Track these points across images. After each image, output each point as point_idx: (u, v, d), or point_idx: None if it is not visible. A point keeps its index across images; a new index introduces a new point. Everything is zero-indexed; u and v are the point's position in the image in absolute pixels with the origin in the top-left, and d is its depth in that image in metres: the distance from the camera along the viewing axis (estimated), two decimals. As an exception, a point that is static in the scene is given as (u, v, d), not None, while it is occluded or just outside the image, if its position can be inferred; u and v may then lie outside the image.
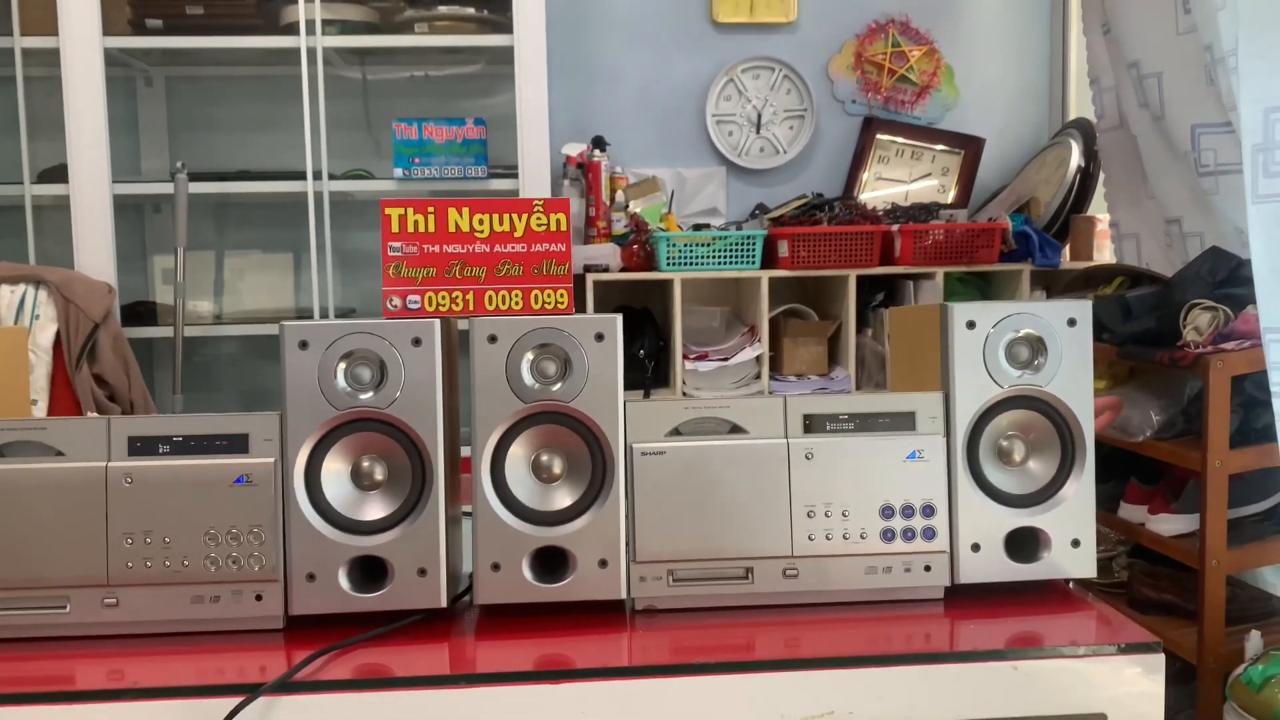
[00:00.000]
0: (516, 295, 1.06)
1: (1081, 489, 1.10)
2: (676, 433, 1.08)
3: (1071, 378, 1.09)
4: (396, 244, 1.04)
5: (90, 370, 2.45)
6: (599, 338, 1.05)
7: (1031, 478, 1.11)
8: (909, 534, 1.08)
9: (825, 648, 1.01)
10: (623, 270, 2.82)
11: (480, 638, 1.07)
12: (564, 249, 1.05)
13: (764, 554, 1.08)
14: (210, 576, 1.03)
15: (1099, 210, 2.89)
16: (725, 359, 2.84)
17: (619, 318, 1.06)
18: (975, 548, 1.09)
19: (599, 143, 2.95)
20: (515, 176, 2.66)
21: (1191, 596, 2.07)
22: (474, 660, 1.04)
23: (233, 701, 0.93)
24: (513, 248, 1.05)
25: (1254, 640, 1.89)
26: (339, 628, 1.04)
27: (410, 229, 1.05)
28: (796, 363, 2.89)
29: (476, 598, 1.06)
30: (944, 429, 1.09)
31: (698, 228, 2.90)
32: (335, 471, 1.05)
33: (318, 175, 2.68)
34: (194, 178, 2.64)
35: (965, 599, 1.11)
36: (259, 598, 1.04)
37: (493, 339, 1.04)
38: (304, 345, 1.03)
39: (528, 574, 1.06)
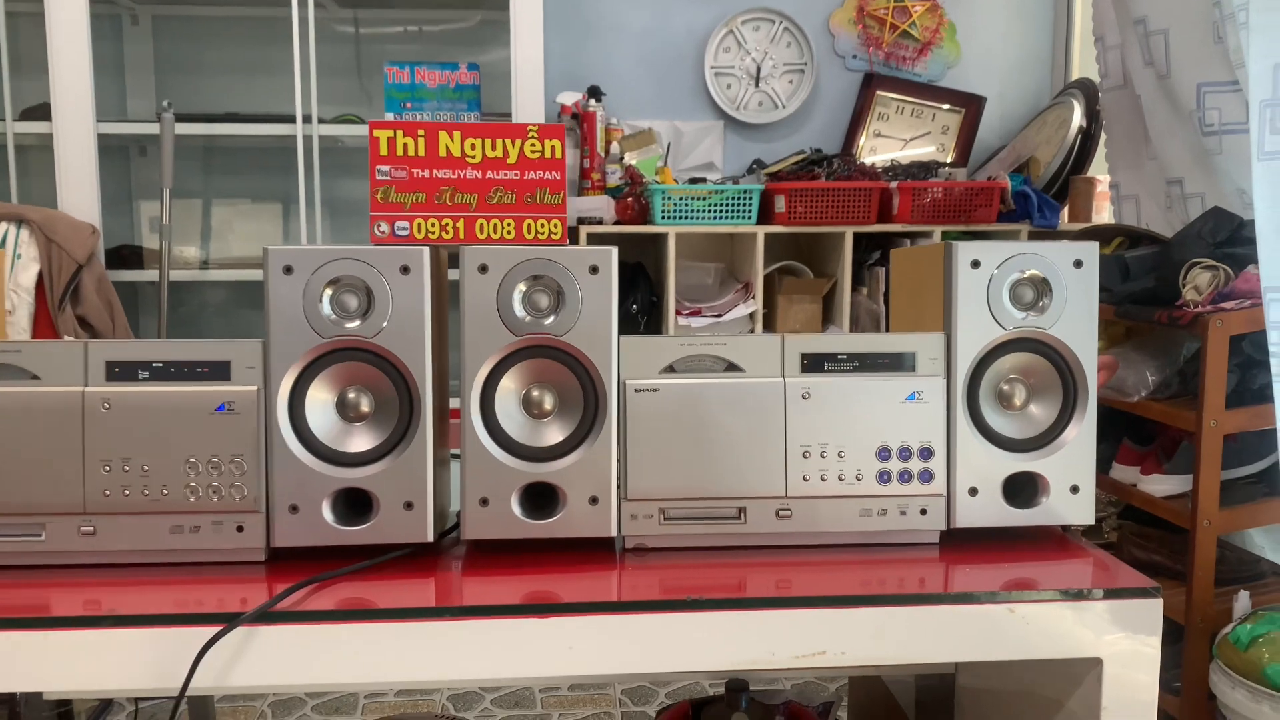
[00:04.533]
0: (509, 224, 1.03)
1: (1082, 434, 1.08)
2: (670, 370, 1.06)
3: (1076, 321, 1.07)
4: (385, 167, 1.01)
5: (74, 312, 2.41)
6: (593, 270, 1.02)
7: (1032, 422, 1.09)
8: (905, 476, 1.07)
9: (817, 588, 0.99)
10: (616, 223, 2.78)
11: (467, 573, 1.05)
12: (559, 177, 1.02)
13: (757, 494, 1.06)
14: (190, 506, 1.01)
15: (1099, 172, 2.86)
16: (718, 315, 2.81)
17: (614, 250, 1.03)
18: (973, 492, 1.07)
19: (595, 93, 2.90)
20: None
21: (1180, 558, 2.07)
22: (460, 594, 1.02)
23: (212, 631, 0.91)
24: (505, 174, 1.02)
25: (1242, 600, 1.89)
26: (322, 561, 1.02)
27: (399, 152, 1.01)
28: (790, 320, 2.86)
29: (464, 533, 1.04)
30: (944, 371, 1.07)
31: (694, 182, 2.86)
32: (320, 402, 1.02)
33: (307, 119, 2.62)
34: (181, 119, 2.58)
35: (961, 544, 1.09)
36: (240, 529, 1.01)
37: (484, 269, 1.01)
38: (288, 270, 1.00)
39: (517, 510, 1.04)
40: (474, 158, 1.01)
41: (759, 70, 3.10)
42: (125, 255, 2.76)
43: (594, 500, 1.04)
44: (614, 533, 1.05)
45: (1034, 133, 3.03)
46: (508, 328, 1.02)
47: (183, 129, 2.60)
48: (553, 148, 1.01)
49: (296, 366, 1.01)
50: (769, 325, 2.86)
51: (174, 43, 2.97)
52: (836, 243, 2.79)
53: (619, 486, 1.05)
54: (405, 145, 1.01)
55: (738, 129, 3.14)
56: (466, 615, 0.95)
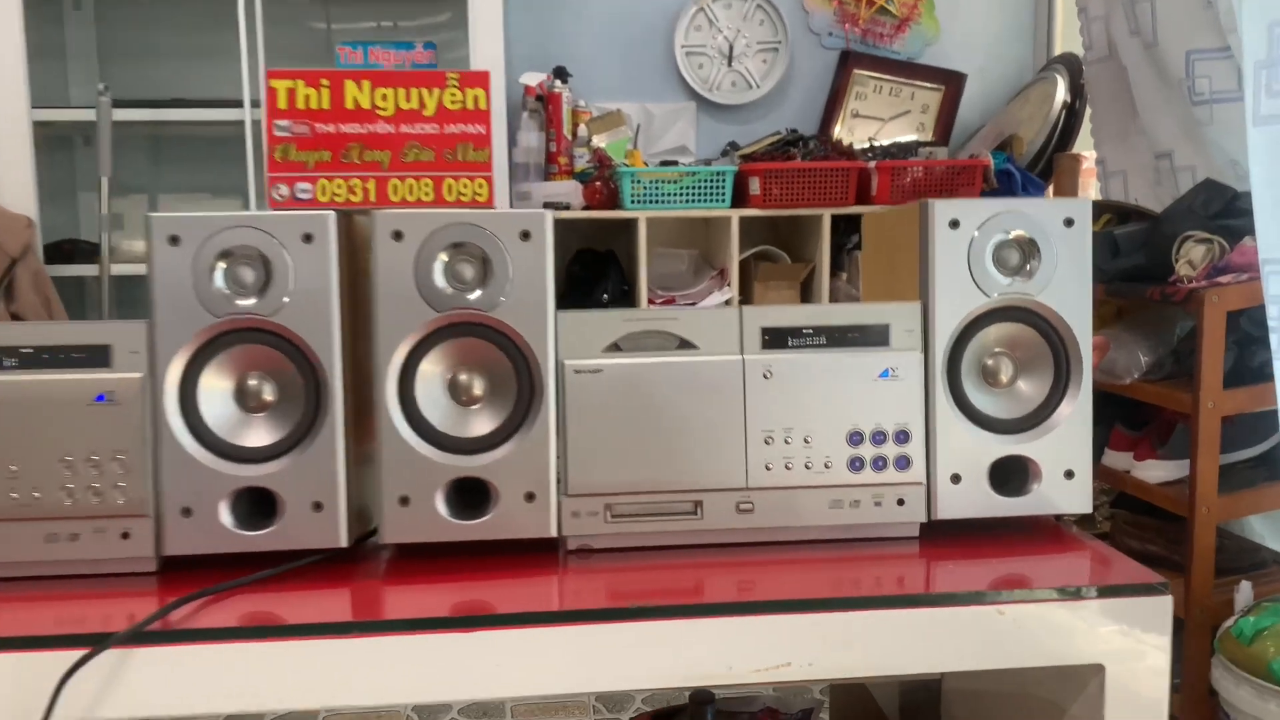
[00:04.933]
0: (426, 185, 0.91)
1: (1076, 413, 0.96)
2: (615, 348, 0.94)
3: (1067, 286, 0.96)
4: (284, 122, 0.89)
5: (8, 309, 2.27)
6: (525, 236, 0.90)
7: (1020, 400, 0.97)
8: (880, 463, 0.95)
9: (782, 590, 0.88)
10: (585, 209, 2.67)
11: (389, 581, 0.93)
12: (484, 131, 0.90)
13: (715, 486, 0.94)
14: (67, 511, 0.88)
15: (1085, 148, 2.76)
16: (693, 304, 2.70)
17: (548, 214, 0.91)
18: (955, 479, 0.96)
19: (560, 74, 2.78)
20: (468, 105, 2.48)
21: (1178, 548, 1.97)
22: (380, 606, 0.90)
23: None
24: (422, 128, 0.90)
25: (1244, 591, 1.79)
26: (222, 570, 0.90)
27: (300, 105, 0.89)
28: (767, 308, 2.74)
29: (382, 535, 0.92)
30: (921, 344, 0.96)
31: (665, 164, 2.75)
32: (215, 390, 0.90)
33: (255, 104, 2.49)
34: (125, 105, 2.45)
35: (943, 537, 0.98)
36: (125, 536, 0.89)
37: (398, 236, 0.89)
38: (175, 241, 0.88)
39: (442, 509, 0.92)
40: (385, 110, 0.89)
41: (731, 49, 2.98)
42: (68, 250, 2.62)
43: (530, 497, 0.92)
44: (554, 533, 0.93)
45: (1016, 109, 2.93)
46: (428, 303, 0.90)
47: (126, 115, 2.47)
48: (476, 97, 0.89)
49: (187, 350, 0.88)
50: (745, 313, 2.74)
51: (119, 27, 2.83)
52: (814, 226, 2.68)
53: (559, 481, 0.93)
54: (307, 97, 0.89)
55: (711, 110, 3.02)
56: (387, 630, 0.84)
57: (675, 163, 2.80)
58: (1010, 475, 0.97)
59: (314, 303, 0.89)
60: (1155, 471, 1.94)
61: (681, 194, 2.64)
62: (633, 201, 2.62)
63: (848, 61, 3.01)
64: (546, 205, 2.63)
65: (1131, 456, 2.00)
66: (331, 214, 0.87)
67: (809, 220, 2.70)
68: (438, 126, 0.90)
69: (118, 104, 2.42)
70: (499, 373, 0.92)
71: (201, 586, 0.87)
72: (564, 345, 0.93)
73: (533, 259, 0.91)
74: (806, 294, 2.76)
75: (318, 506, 0.90)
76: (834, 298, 2.69)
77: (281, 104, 0.89)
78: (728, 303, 2.68)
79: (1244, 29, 1.73)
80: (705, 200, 2.65)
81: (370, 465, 1.00)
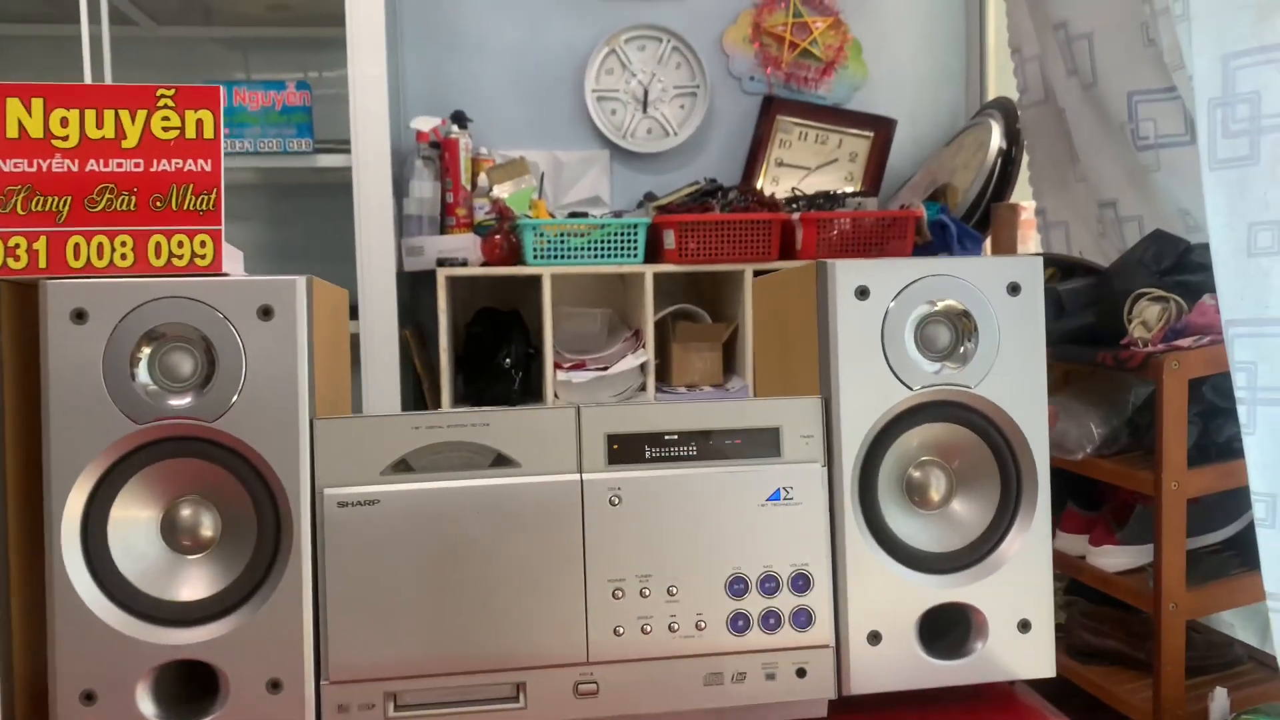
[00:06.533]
0: (125, 244, 0.64)
1: (1032, 543, 0.72)
2: (404, 468, 0.68)
3: (1014, 372, 0.72)
4: (-90, 157, 0.62)
5: None
6: (265, 314, 0.64)
7: (957, 527, 0.73)
8: (772, 620, 0.70)
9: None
10: (484, 264, 2.41)
11: (70, 813, 0.64)
12: (210, 167, 0.64)
13: (543, 660, 0.68)
14: None
15: (1023, 197, 2.58)
16: (604, 368, 2.45)
17: (300, 281, 0.65)
18: (874, 638, 0.71)
19: (459, 118, 2.54)
20: (349, 152, 2.23)
21: (1140, 642, 1.75)
22: None
23: None
24: (120, 164, 0.64)
25: (1219, 700, 1.56)
26: None
27: (-63, 132, 0.62)
28: (688, 372, 2.51)
29: (53, 751, 0.64)
30: (824, 454, 0.71)
31: (574, 216, 2.51)
32: None
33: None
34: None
35: (859, 714, 0.72)
36: None
37: (80, 316, 0.62)
38: None
39: (147, 708, 0.64)
40: (66, 139, 0.63)
41: (646, 94, 2.78)
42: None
43: (276, 685, 0.65)
44: (311, 735, 0.66)
45: (950, 157, 2.76)
46: (124, 411, 0.63)
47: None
48: (199, 122, 0.64)
49: None
50: (663, 377, 2.50)
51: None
52: (735, 282, 2.45)
53: (316, 661, 0.66)
54: (-52, 121, 0.62)
55: (625, 159, 2.80)
56: None
57: (586, 214, 2.57)
58: (946, 629, 0.72)
59: (-49, 414, 0.62)
60: (1113, 559, 1.72)
61: (590, 248, 2.40)
62: (536, 256, 2.38)
63: (771, 107, 2.82)
64: (440, 262, 2.38)
65: (1086, 540, 1.78)
66: (-23, 287, 0.61)
67: (730, 276, 2.48)
68: (142, 162, 0.64)
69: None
70: (232, 508, 0.65)
71: None
72: (324, 467, 0.66)
73: (278, 346, 0.64)
74: (730, 355, 2.53)
75: (-45, 711, 0.62)
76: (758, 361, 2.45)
77: (-94, 130, 0.62)
78: (643, 367, 2.44)
79: (1195, 63, 1.54)
80: (616, 255, 2.42)
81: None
